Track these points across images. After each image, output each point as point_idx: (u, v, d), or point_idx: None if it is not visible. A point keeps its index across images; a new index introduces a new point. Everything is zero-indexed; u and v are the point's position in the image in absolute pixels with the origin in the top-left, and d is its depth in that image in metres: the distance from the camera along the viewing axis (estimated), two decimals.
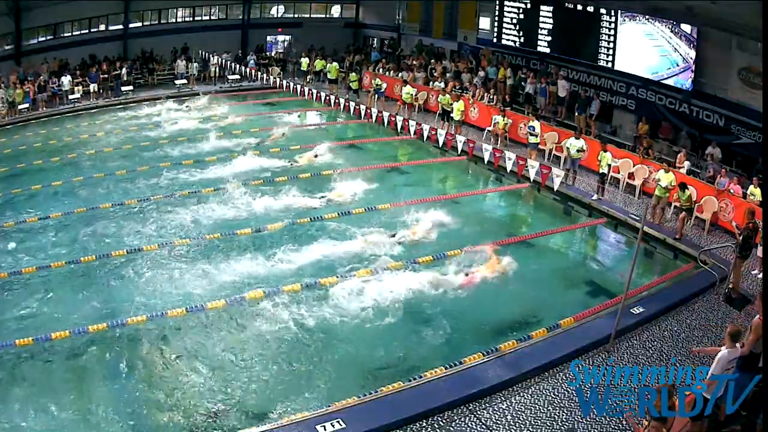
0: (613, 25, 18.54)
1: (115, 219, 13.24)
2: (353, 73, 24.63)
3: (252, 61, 27.27)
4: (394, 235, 12.38)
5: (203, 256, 11.65)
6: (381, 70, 25.16)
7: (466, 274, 10.98)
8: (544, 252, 12.25)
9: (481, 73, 22.43)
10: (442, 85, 21.90)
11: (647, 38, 17.68)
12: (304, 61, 26.84)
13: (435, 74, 23.57)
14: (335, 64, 25.51)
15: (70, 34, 25.46)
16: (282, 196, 14.34)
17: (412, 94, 21.52)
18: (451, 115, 19.60)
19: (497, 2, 22.47)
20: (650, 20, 17.57)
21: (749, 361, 7.22)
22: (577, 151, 15.52)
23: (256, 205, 13.80)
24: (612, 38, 18.63)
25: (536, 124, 17.15)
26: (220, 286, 10.54)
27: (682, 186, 12.90)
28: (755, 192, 13.10)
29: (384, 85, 22.89)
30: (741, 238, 10.74)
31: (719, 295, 10.77)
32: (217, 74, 26.94)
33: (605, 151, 14.71)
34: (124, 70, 24.93)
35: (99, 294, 10.39)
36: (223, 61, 26.49)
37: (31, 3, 23.21)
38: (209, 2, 28.19)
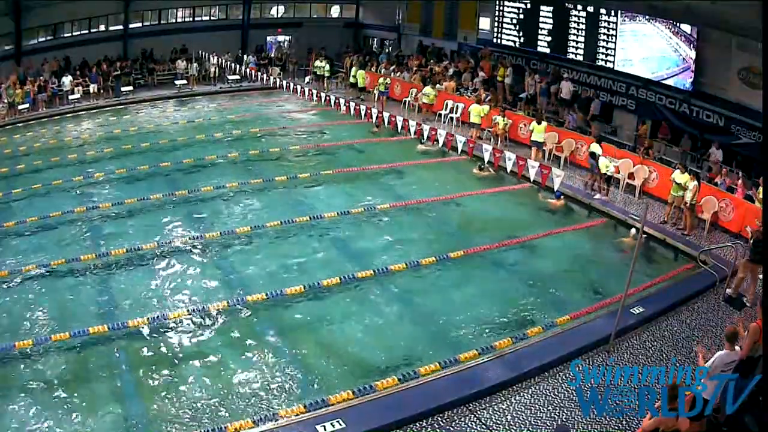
0: (613, 25, 18.54)
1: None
2: (354, 70, 24.47)
3: (252, 61, 27.26)
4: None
5: (206, 255, 11.68)
6: (382, 70, 25.10)
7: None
8: (544, 252, 12.25)
9: (482, 73, 22.40)
10: (442, 87, 21.87)
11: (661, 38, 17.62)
12: (320, 65, 26.21)
13: (434, 74, 23.51)
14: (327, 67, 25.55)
15: (70, 34, 25.49)
16: None
17: (431, 95, 21.03)
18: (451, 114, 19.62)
19: (497, 2, 22.47)
20: (651, 20, 17.57)
21: (747, 364, 7.20)
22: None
23: None
24: (612, 38, 18.64)
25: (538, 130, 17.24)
26: (225, 285, 10.64)
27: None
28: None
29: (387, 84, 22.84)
30: (752, 241, 10.63)
31: (719, 295, 10.76)
32: (216, 74, 26.95)
33: (598, 143, 15.18)
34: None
35: (100, 294, 10.37)
36: (223, 61, 26.47)
37: (31, 3, 23.22)
38: (209, 2, 28.20)
